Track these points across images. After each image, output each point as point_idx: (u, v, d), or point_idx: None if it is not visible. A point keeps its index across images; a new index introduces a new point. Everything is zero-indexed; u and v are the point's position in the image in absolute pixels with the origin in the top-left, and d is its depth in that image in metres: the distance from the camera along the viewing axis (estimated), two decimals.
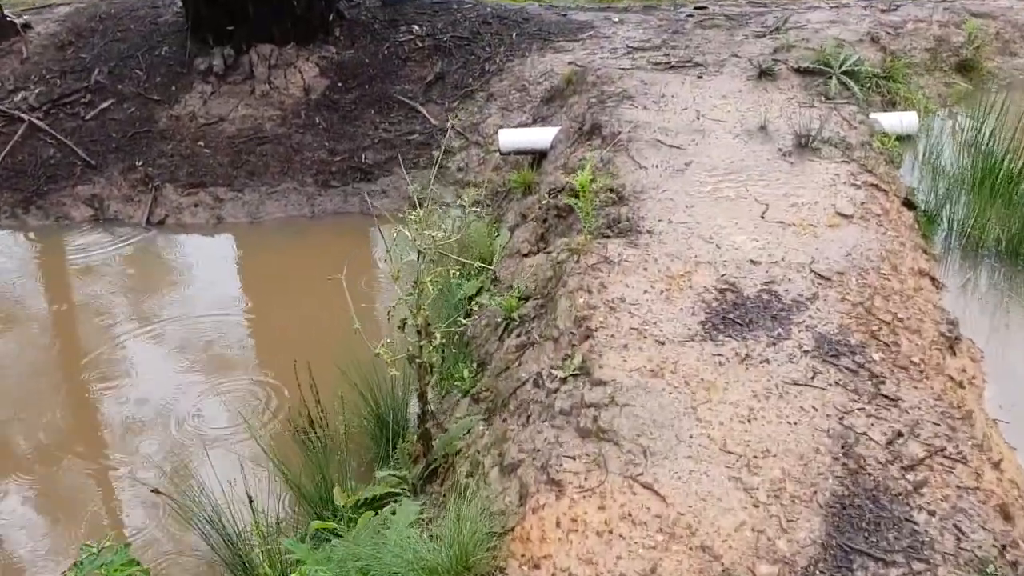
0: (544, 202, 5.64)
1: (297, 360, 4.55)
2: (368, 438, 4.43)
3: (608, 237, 4.44)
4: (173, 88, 7.86)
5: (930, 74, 6.91)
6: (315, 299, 5.79)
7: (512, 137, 6.39)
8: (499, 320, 4.71)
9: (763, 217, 4.56)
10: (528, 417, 3.41)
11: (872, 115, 5.94)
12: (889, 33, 7.07)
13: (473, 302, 5.51)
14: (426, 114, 7.49)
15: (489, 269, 5.66)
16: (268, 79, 7.76)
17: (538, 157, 6.48)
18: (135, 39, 8.27)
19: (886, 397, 3.22)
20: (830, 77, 6.14)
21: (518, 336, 4.35)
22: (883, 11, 7.56)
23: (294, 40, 7.93)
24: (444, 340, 3.78)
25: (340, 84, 7.81)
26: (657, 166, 5.23)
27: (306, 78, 7.79)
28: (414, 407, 4.43)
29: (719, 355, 3.44)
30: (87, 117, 7.72)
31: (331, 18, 8.14)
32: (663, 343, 3.50)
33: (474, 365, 4.69)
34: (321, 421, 4.54)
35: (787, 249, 4.21)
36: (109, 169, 7.28)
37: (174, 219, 6.96)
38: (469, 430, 3.82)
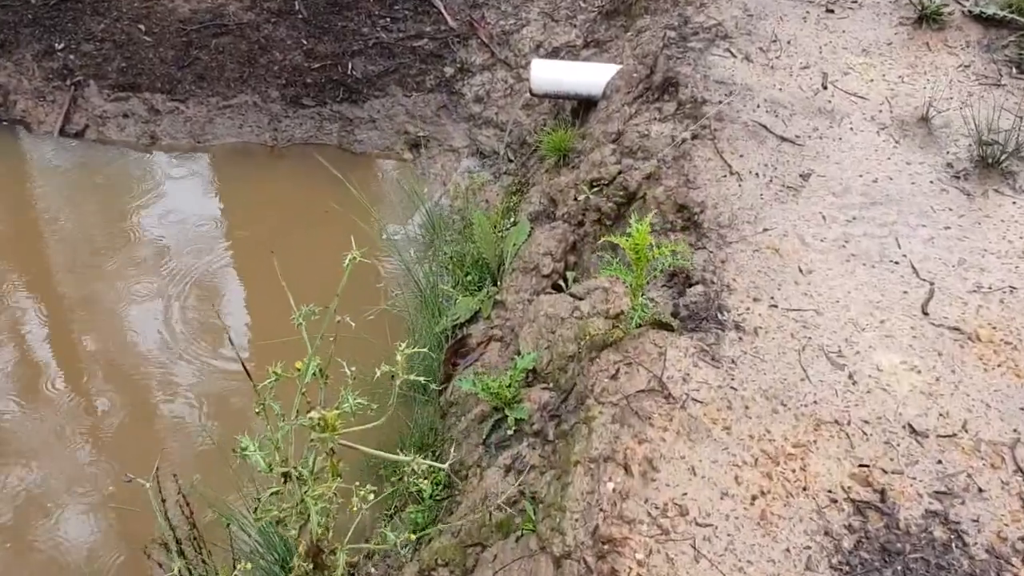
0: (583, 197, 3.87)
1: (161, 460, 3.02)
2: None
3: (668, 327, 2.71)
4: None
5: None
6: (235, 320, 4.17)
7: (549, 73, 4.51)
8: (486, 412, 3.09)
9: (925, 312, 2.79)
10: None
11: None
12: None
13: (465, 329, 3.88)
14: (442, 9, 5.55)
15: (492, 282, 3.98)
16: None
17: (584, 104, 4.63)
18: None
19: None
20: None
21: (507, 469, 2.74)
22: None
23: None
24: (356, 561, 2.18)
25: None
26: (758, 174, 3.41)
27: None
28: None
29: None
30: None
31: None
32: None
33: (442, 473, 3.11)
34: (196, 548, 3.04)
35: (971, 401, 2.48)
36: (20, 50, 5.52)
37: (95, 131, 5.25)
38: None
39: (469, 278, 4.06)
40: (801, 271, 2.95)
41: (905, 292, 2.87)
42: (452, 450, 3.05)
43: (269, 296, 4.26)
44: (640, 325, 2.70)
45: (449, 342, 3.74)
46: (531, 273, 3.81)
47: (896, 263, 2.99)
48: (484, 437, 3.01)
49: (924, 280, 2.92)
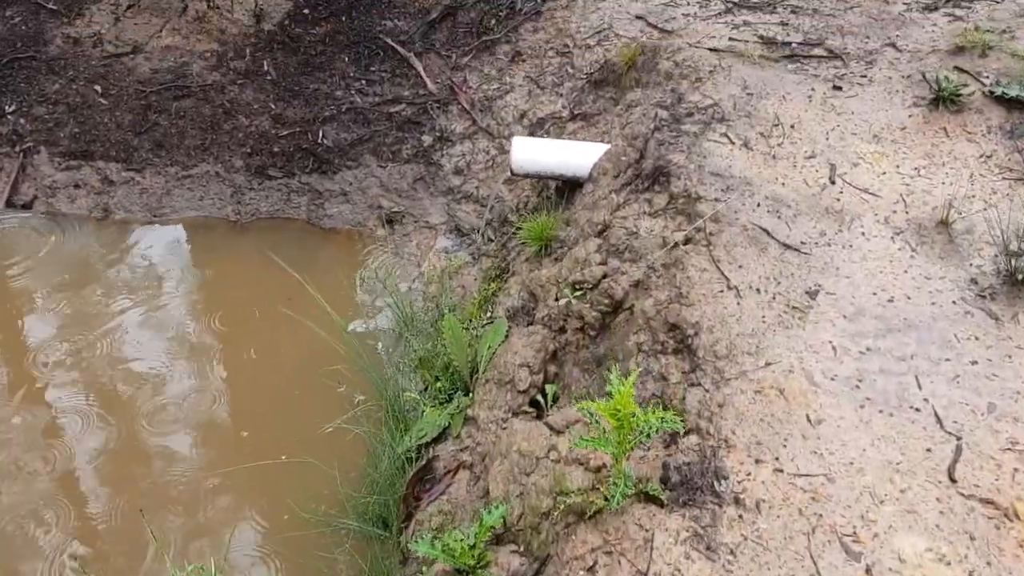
0: (563, 302, 3.49)
1: None
2: None
3: (656, 499, 2.33)
4: None
5: None
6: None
7: (531, 153, 4.15)
8: (448, 573, 2.70)
9: (953, 479, 2.41)
10: None
11: None
12: None
13: (432, 450, 3.50)
14: (422, 72, 5.20)
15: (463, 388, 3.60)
16: None
17: (569, 183, 4.26)
18: None
19: None
20: None
21: None
22: None
23: None
24: None
25: (307, 12, 5.49)
26: (759, 290, 3.04)
27: None
28: None
29: None
30: None
31: None
32: None
33: None
34: None
35: None
36: None
37: (44, 203, 4.88)
38: None
39: (439, 384, 3.68)
40: (810, 420, 2.57)
41: (929, 449, 2.49)
42: None
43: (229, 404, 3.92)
44: (625, 496, 2.32)
45: (413, 465, 3.36)
46: (506, 387, 3.43)
47: (917, 410, 2.61)
48: None
49: (949, 433, 2.54)
